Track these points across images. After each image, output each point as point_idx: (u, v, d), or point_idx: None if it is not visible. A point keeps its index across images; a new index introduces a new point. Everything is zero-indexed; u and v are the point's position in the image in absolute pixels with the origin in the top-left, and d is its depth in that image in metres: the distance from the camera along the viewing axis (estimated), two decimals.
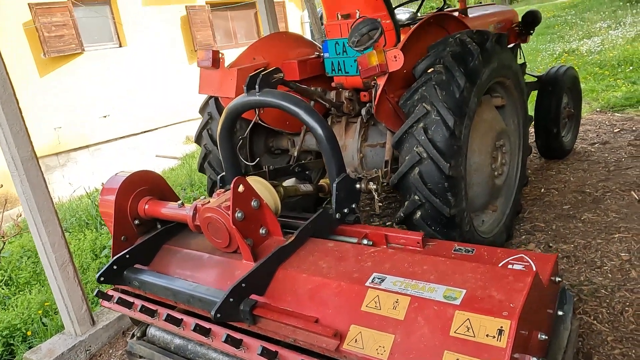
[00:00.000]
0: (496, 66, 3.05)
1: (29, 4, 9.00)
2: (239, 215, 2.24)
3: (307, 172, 3.81)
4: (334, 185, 2.51)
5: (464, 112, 2.73)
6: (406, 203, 2.84)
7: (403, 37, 3.22)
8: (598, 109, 7.27)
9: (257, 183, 2.57)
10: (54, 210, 3.05)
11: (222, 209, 2.29)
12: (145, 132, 11.61)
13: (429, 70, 2.86)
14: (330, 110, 3.81)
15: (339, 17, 3.67)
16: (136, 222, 2.75)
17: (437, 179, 2.69)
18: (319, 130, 2.50)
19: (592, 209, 4.14)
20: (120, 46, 10.96)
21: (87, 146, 10.43)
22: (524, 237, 3.83)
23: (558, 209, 4.24)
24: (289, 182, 3.93)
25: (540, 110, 5.10)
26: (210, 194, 4.04)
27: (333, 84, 3.80)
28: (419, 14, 5.24)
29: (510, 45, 5.14)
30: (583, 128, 6.40)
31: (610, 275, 3.18)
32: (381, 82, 2.87)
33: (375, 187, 2.72)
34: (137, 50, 11.05)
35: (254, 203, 2.32)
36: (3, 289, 4.54)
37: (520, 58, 5.67)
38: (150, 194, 2.82)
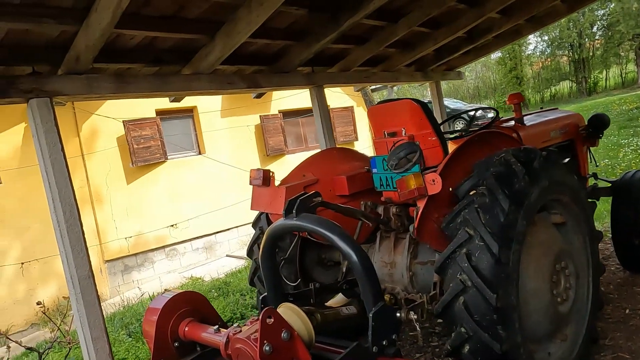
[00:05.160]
0: (547, 185, 2.89)
1: (123, 121, 10.22)
2: (267, 348, 2.16)
3: (355, 289, 3.69)
4: (370, 315, 2.39)
5: (510, 236, 2.56)
6: (453, 334, 2.61)
7: (447, 156, 3.18)
8: None
9: (290, 311, 2.50)
10: (104, 329, 3.15)
11: (251, 340, 2.23)
12: (218, 232, 12.12)
13: (471, 193, 2.76)
14: (379, 226, 3.75)
15: (386, 134, 3.75)
16: (176, 344, 2.75)
17: (484, 310, 2.47)
18: (353, 257, 2.45)
19: None
20: (200, 153, 11.91)
21: (163, 247, 11.02)
22: None
23: None
24: (335, 300, 3.81)
25: (617, 219, 4.68)
26: (261, 308, 4.02)
27: (382, 199, 3.79)
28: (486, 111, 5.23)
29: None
30: None
31: None
32: (421, 204, 2.81)
33: (416, 317, 2.54)
34: (214, 156, 11.93)
35: (284, 335, 2.25)
36: None
37: (590, 162, 5.37)
38: (192, 315, 2.83)
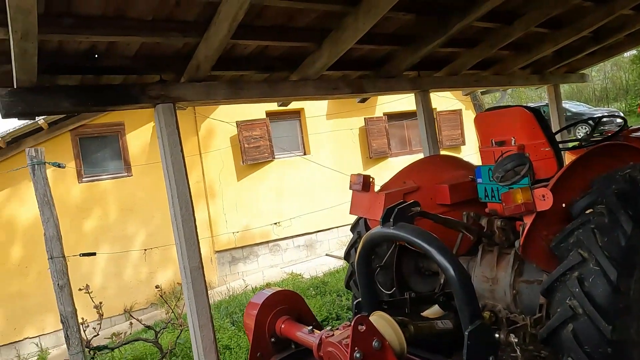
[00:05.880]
0: None
1: (236, 121, 10.92)
2: (357, 355, 2.18)
3: (452, 302, 3.57)
4: (466, 333, 2.30)
5: (632, 263, 2.30)
6: None
7: (562, 169, 2.94)
8: None
9: (383, 320, 2.50)
10: (210, 317, 3.41)
11: (342, 346, 2.27)
12: (319, 231, 12.42)
13: (588, 211, 2.52)
14: (482, 238, 3.59)
15: (493, 143, 3.57)
16: (272, 339, 2.88)
17: (596, 342, 2.25)
18: (451, 271, 2.37)
19: None
20: (305, 154, 12.30)
21: (267, 242, 11.58)
22: None
23: None
24: (431, 311, 3.72)
25: None
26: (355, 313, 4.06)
27: (486, 210, 3.62)
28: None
29: None
30: None
31: None
32: (528, 220, 2.63)
33: (516, 340, 2.39)
34: (319, 156, 12.25)
35: (375, 344, 2.25)
36: None
37: None
38: (288, 314, 2.94)
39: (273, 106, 10.88)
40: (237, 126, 10.96)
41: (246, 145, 11.03)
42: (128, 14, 3.05)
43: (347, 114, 12.58)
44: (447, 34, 4.19)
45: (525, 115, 3.32)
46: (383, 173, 10.85)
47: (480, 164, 3.79)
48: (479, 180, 3.67)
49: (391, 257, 3.71)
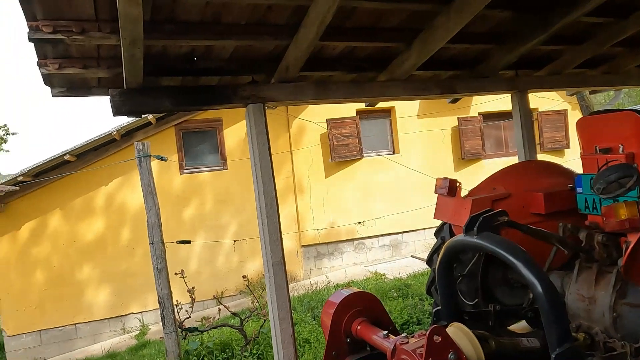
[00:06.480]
0: None
1: (327, 119, 11.07)
2: None
3: (541, 320, 3.34)
4: (554, 356, 2.15)
5: None
6: None
7: None
8: None
9: (461, 333, 2.40)
10: (289, 310, 3.51)
11: (416, 355, 2.23)
12: (405, 232, 12.22)
13: None
14: (580, 254, 3.30)
15: (597, 150, 3.28)
16: (348, 340, 2.90)
17: None
18: (538, 288, 2.22)
19: None
20: (394, 153, 12.15)
21: (352, 239, 11.63)
22: None
23: None
24: (519, 326, 3.50)
25: None
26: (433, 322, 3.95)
27: (586, 222, 3.32)
28: None
29: None
30: None
31: None
32: (633, 238, 2.37)
33: None
34: (408, 156, 12.04)
35: (451, 356, 2.19)
36: None
37: None
38: (365, 315, 2.94)
39: (363, 105, 10.90)
40: (327, 124, 11.12)
41: (335, 143, 11.15)
42: (223, 19, 3.22)
43: (439, 114, 12.22)
44: (548, 31, 3.90)
45: (637, 120, 3.00)
46: (475, 175, 10.38)
47: (581, 171, 3.50)
48: (579, 189, 3.39)
49: (476, 265, 3.55)
